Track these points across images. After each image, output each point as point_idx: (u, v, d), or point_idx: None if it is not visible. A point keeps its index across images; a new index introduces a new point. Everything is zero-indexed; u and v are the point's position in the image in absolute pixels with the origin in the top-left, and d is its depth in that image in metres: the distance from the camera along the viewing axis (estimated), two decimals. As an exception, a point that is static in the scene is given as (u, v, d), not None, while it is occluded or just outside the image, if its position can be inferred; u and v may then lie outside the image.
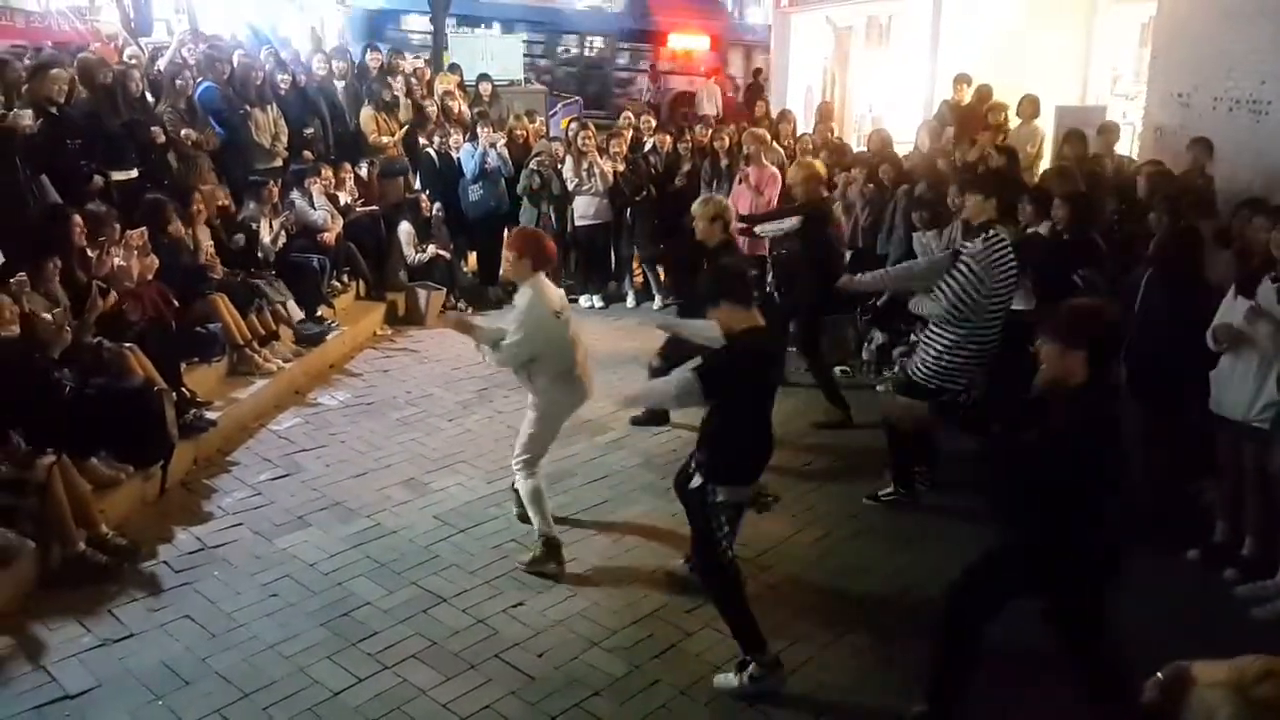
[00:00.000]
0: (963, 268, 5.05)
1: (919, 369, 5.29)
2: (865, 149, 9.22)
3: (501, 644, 4.28)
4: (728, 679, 4.03)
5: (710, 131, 9.84)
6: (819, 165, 7.25)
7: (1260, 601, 4.50)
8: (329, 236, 8.49)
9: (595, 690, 3.98)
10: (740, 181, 8.81)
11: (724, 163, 9.31)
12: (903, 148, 9.15)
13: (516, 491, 5.15)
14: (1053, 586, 3.52)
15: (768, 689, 3.97)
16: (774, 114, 11.03)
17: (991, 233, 5.10)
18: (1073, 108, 10.24)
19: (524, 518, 5.09)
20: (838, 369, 7.46)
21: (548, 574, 4.80)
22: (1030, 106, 9.23)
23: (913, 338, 7.19)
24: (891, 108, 12.75)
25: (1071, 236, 6.04)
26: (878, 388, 7.34)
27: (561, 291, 5.13)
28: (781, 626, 4.31)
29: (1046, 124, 9.50)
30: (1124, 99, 11.00)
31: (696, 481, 4.03)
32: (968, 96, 9.93)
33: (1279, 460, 4.44)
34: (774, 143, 9.25)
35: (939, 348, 5.18)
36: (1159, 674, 1.91)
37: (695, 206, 6.11)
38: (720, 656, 4.17)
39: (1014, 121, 9.26)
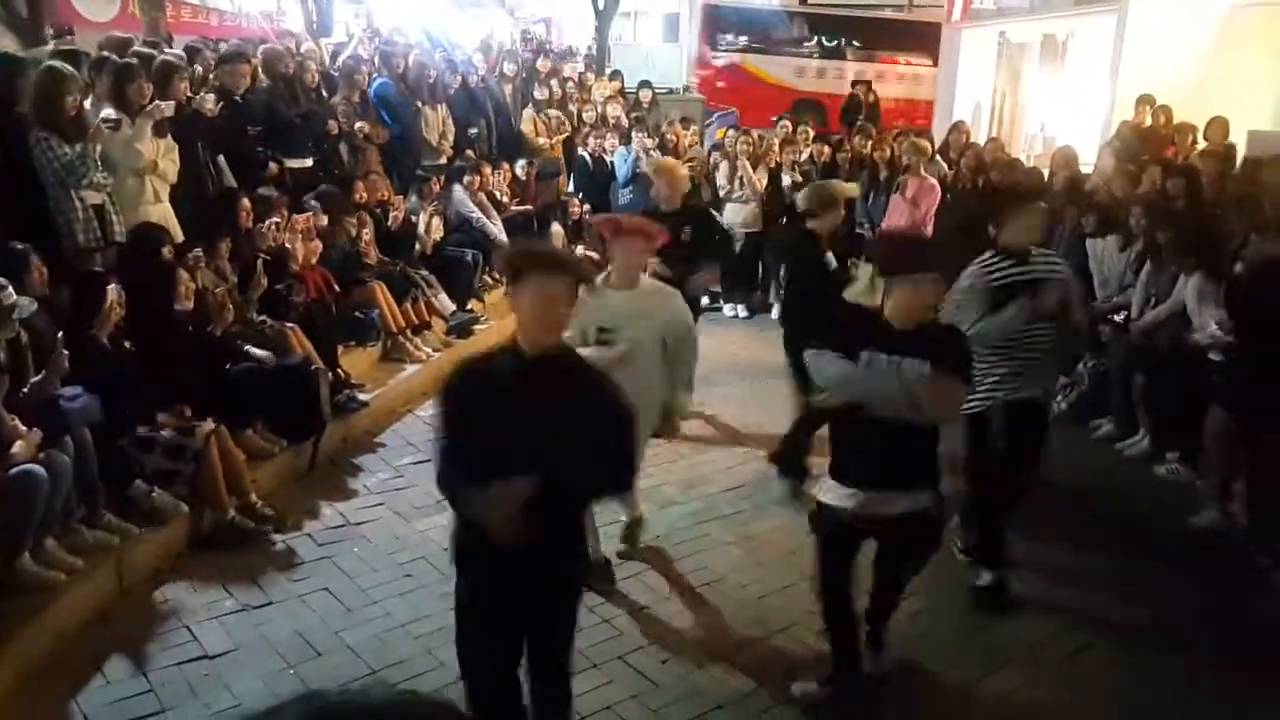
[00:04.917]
0: None
1: None
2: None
3: (627, 645, 4.20)
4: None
5: (870, 142, 9.56)
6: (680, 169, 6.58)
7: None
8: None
9: (717, 704, 3.86)
10: (897, 192, 8.54)
11: (883, 174, 9.03)
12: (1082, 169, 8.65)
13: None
14: None
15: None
16: (939, 127, 10.66)
17: None
18: (1268, 132, 9.48)
19: None
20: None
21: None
22: (1219, 129, 8.59)
23: None
24: (1066, 127, 12.16)
25: None
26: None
27: None
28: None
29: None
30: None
31: (927, 501, 3.53)
32: (1149, 119, 9.35)
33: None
34: (936, 155, 8.92)
35: None
36: None
37: (800, 199, 5.92)
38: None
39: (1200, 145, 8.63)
